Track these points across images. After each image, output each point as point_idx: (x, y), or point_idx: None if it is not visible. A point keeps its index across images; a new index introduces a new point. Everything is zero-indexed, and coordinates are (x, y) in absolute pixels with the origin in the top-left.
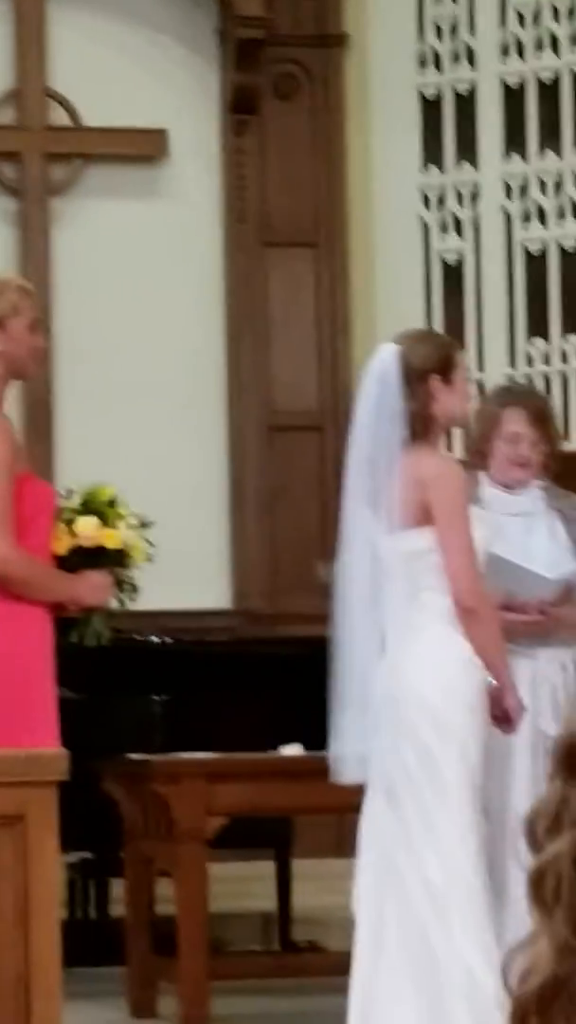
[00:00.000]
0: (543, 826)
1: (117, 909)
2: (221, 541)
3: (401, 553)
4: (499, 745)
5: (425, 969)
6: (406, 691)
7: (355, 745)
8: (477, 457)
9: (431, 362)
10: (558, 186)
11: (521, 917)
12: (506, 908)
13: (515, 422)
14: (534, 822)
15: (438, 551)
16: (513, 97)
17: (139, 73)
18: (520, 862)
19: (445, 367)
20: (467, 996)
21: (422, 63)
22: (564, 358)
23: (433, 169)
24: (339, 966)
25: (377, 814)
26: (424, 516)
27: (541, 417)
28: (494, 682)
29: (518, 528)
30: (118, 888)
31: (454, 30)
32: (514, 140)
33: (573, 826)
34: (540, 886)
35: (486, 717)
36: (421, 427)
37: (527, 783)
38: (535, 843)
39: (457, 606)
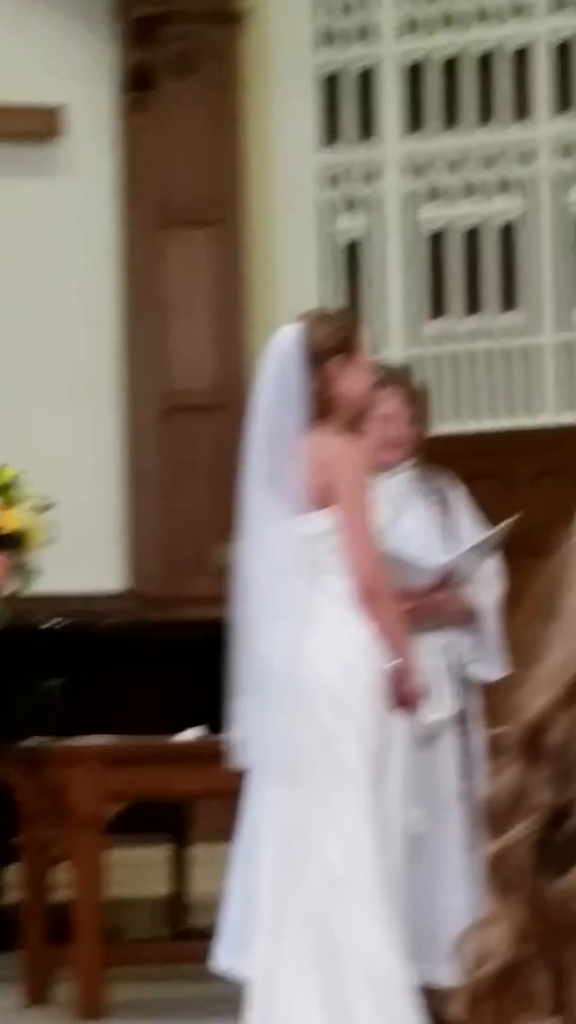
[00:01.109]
0: (502, 811)
1: (12, 895)
2: (117, 523)
3: (301, 535)
4: None
5: (326, 953)
6: (306, 673)
7: (255, 729)
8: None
9: (333, 342)
10: (459, 165)
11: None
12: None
13: (391, 402)
14: (493, 807)
15: (339, 533)
16: (413, 75)
17: (34, 50)
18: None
19: (347, 347)
20: (368, 980)
21: (321, 41)
22: (463, 339)
23: (332, 148)
24: None
25: (277, 798)
26: (325, 498)
27: (416, 398)
28: (394, 664)
29: (389, 511)
30: (13, 874)
31: (353, 8)
32: (414, 119)
33: (532, 811)
34: (499, 871)
35: (385, 699)
36: (323, 408)
37: (401, 767)
38: (495, 828)
39: (358, 588)
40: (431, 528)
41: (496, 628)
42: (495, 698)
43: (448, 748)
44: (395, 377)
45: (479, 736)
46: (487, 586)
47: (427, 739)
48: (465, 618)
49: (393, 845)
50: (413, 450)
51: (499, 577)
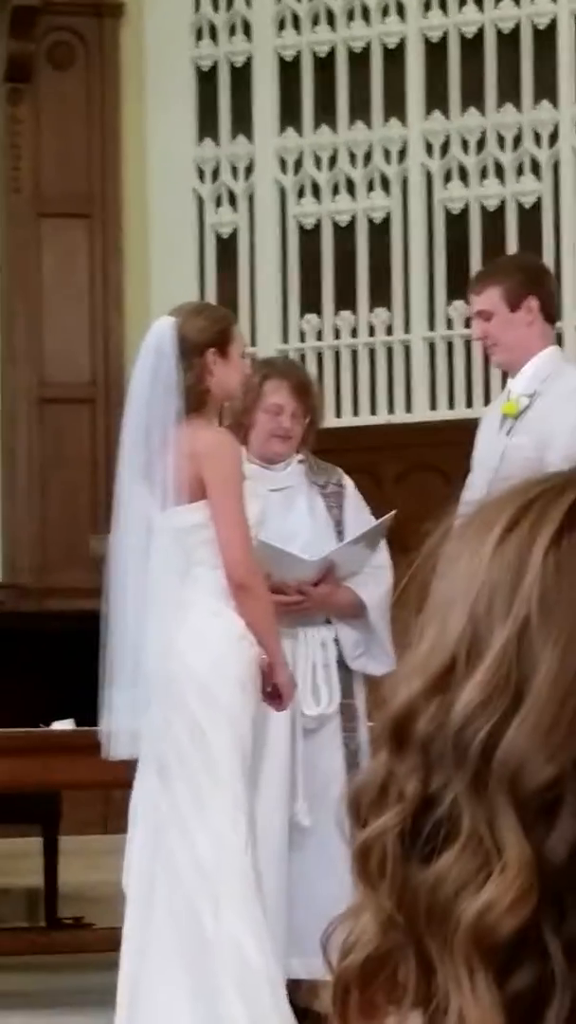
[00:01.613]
0: (368, 800)
1: None
2: None
3: (174, 528)
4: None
5: (194, 946)
6: (177, 667)
7: (127, 720)
8: (236, 431)
9: (207, 335)
10: (332, 160)
11: (270, 895)
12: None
13: (277, 394)
14: (359, 796)
15: (211, 526)
16: (288, 71)
17: None
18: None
19: (221, 341)
20: (236, 973)
21: (198, 35)
22: (337, 334)
23: (208, 142)
24: (106, 942)
25: (149, 790)
26: (198, 490)
27: (302, 389)
28: (265, 657)
29: (278, 504)
30: None
31: (230, 2)
32: (289, 114)
33: (399, 800)
34: (365, 861)
35: (257, 693)
36: (196, 401)
37: (283, 758)
38: (360, 818)
39: (230, 581)
40: (319, 521)
41: (384, 622)
42: (381, 692)
43: (333, 741)
44: (281, 370)
45: (364, 730)
46: (374, 580)
47: (310, 732)
48: (351, 611)
49: (269, 838)
50: (302, 442)
51: (388, 571)
